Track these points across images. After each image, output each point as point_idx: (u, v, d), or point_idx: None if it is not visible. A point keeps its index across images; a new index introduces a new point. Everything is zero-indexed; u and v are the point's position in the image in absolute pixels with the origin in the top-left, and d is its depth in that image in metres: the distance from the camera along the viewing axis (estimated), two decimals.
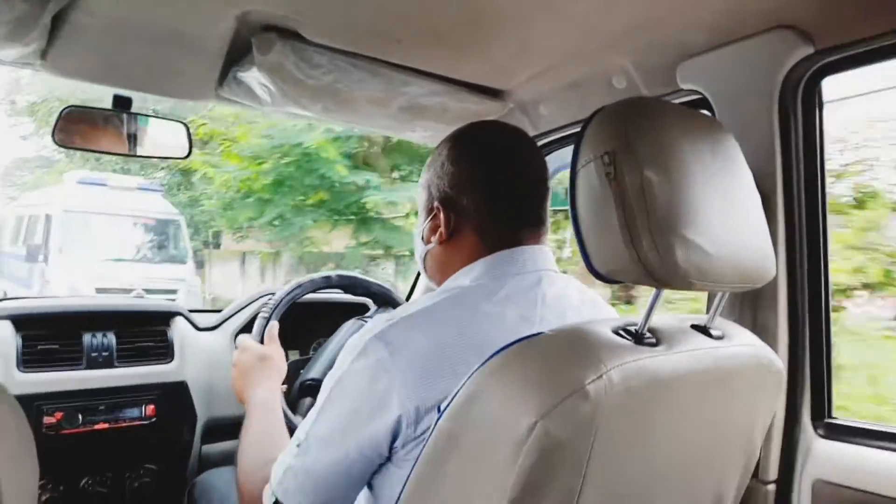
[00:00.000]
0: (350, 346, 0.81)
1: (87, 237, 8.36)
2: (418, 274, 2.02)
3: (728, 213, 0.68)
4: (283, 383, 1.22)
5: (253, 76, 1.17)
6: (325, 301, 1.81)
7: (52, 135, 1.22)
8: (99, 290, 7.07)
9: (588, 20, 1.07)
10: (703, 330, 0.73)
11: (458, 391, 0.62)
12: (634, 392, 0.60)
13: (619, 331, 0.66)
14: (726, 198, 0.68)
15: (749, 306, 1.02)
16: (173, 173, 11.69)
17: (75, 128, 1.25)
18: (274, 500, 0.82)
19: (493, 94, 1.40)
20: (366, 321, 1.39)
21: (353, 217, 8.07)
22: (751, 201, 0.73)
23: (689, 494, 0.73)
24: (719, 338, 0.72)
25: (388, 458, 0.78)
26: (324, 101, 1.26)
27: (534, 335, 0.64)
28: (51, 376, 1.40)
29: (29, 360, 1.40)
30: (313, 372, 1.33)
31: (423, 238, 0.95)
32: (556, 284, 0.89)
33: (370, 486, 0.81)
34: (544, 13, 1.05)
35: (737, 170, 0.72)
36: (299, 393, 1.33)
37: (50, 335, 1.44)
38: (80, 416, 1.40)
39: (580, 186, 0.67)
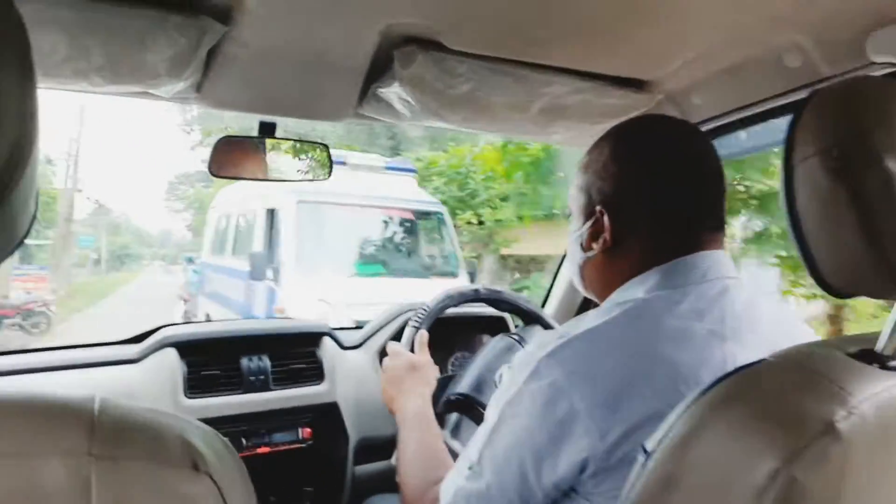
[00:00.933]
0: (519, 364, 0.75)
1: (330, 239, 5.78)
2: (550, 287, 1.94)
3: None
4: None
5: (393, 91, 1.16)
6: (461, 315, 1.77)
7: (209, 167, 1.28)
8: (358, 324, 3.64)
9: None
10: None
11: (671, 428, 0.54)
12: (890, 427, 0.50)
13: (856, 353, 0.56)
14: None
15: None
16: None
17: (228, 157, 1.30)
18: None
19: (638, 86, 1.30)
20: (514, 338, 1.34)
21: None
22: None
23: None
24: None
25: (575, 491, 0.71)
26: (463, 111, 1.23)
27: (756, 362, 0.55)
28: (214, 401, 1.43)
29: (194, 385, 1.44)
30: (460, 387, 1.30)
31: (581, 246, 0.88)
32: (743, 295, 0.79)
33: None
34: None
35: None
36: (445, 408, 1.30)
37: (211, 360, 1.48)
38: (243, 441, 1.44)
39: (799, 186, 0.57)
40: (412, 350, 1.25)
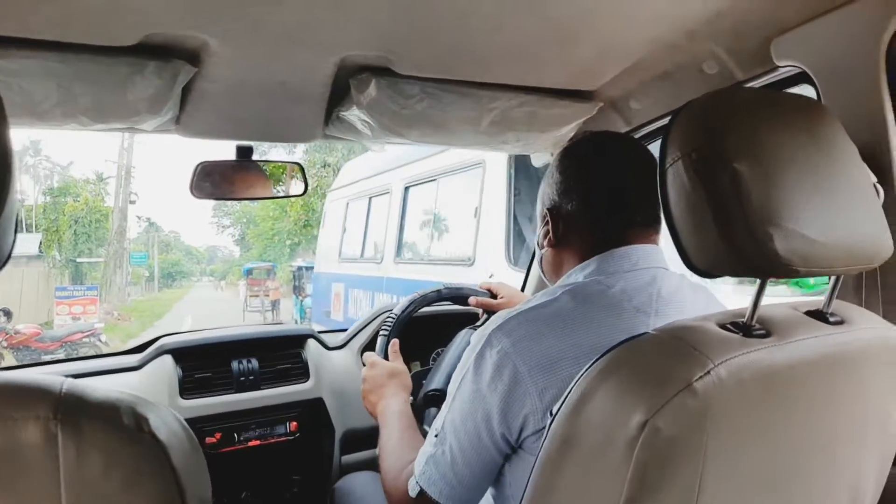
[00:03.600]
0: (474, 340, 0.88)
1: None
2: (525, 278, 2.05)
3: (832, 195, 0.66)
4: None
5: (354, 114, 1.27)
6: (442, 313, 1.89)
7: (190, 190, 1.39)
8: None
9: (669, 10, 1.06)
10: (819, 316, 0.71)
11: (569, 394, 0.65)
12: (747, 386, 0.60)
13: (727, 324, 0.66)
14: (828, 179, 0.66)
15: (874, 287, 0.97)
16: None
17: (209, 179, 1.42)
18: (418, 490, 0.89)
19: (581, 95, 1.41)
20: (476, 328, 1.44)
21: None
22: (858, 179, 0.70)
23: (821, 487, 0.71)
24: (838, 323, 0.70)
25: (522, 447, 0.83)
26: (419, 128, 1.34)
27: (639, 335, 0.66)
28: (208, 401, 1.58)
29: (188, 387, 1.58)
30: (434, 383, 1.40)
31: (538, 244, 1.03)
32: (671, 281, 0.91)
33: (504, 475, 0.87)
34: (621, 11, 1.05)
35: (840, 148, 0.70)
36: (423, 402, 1.40)
37: (204, 364, 1.63)
38: (235, 435, 1.57)
39: (670, 185, 0.67)
40: (386, 357, 1.35)
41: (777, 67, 1.12)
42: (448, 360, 1.42)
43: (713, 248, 0.64)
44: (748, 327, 0.65)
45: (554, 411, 0.66)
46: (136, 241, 35.96)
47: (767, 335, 0.64)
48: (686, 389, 0.57)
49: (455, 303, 1.55)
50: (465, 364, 0.87)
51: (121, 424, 0.46)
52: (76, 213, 21.51)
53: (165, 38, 1.02)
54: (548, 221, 0.98)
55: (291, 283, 18.06)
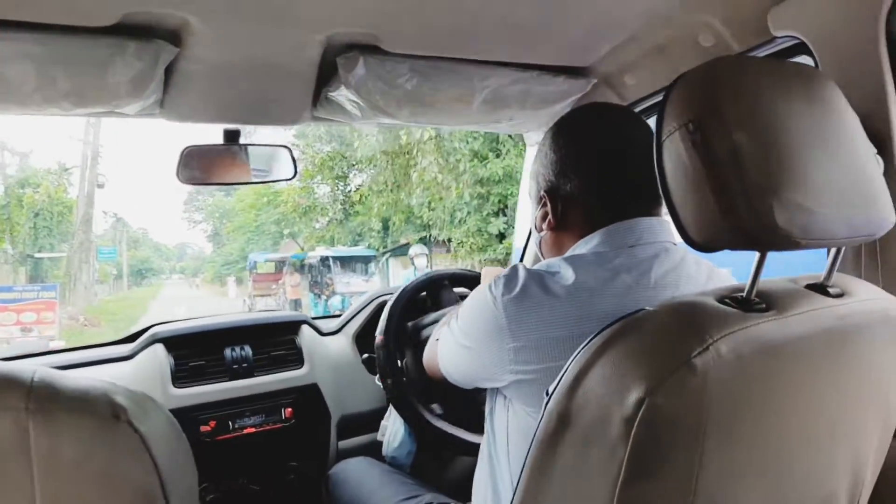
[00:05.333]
0: (479, 285, 0.92)
1: None
2: (521, 257, 2.04)
3: (833, 165, 0.64)
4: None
5: (342, 94, 1.24)
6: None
7: (177, 174, 1.36)
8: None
9: None
10: (820, 289, 0.69)
11: (565, 372, 0.64)
12: (747, 361, 0.59)
13: (725, 299, 0.64)
14: (829, 149, 0.65)
15: (873, 259, 0.95)
16: None
17: (196, 164, 1.39)
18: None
19: (575, 72, 1.39)
20: None
21: None
22: (860, 149, 0.68)
23: (822, 461, 0.70)
24: (839, 295, 0.69)
25: (506, 389, 0.87)
26: (410, 107, 1.31)
27: (636, 311, 0.64)
28: (201, 389, 1.56)
29: (181, 376, 1.57)
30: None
31: (535, 227, 1.00)
32: (674, 255, 0.89)
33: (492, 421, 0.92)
34: None
35: (840, 118, 0.68)
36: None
37: (197, 353, 1.61)
38: (230, 423, 1.56)
39: (667, 158, 0.66)
40: (382, 366, 1.41)
41: (774, 38, 1.09)
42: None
43: (711, 222, 0.62)
44: (748, 301, 0.64)
45: (550, 390, 0.65)
46: (104, 238, 34.37)
47: (767, 309, 0.63)
48: (685, 365, 0.56)
49: (464, 286, 1.55)
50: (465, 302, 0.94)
51: (95, 413, 0.44)
52: (35, 205, 19.00)
53: (145, 18, 0.98)
54: (545, 203, 0.96)
55: (306, 278, 16.38)
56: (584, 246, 0.91)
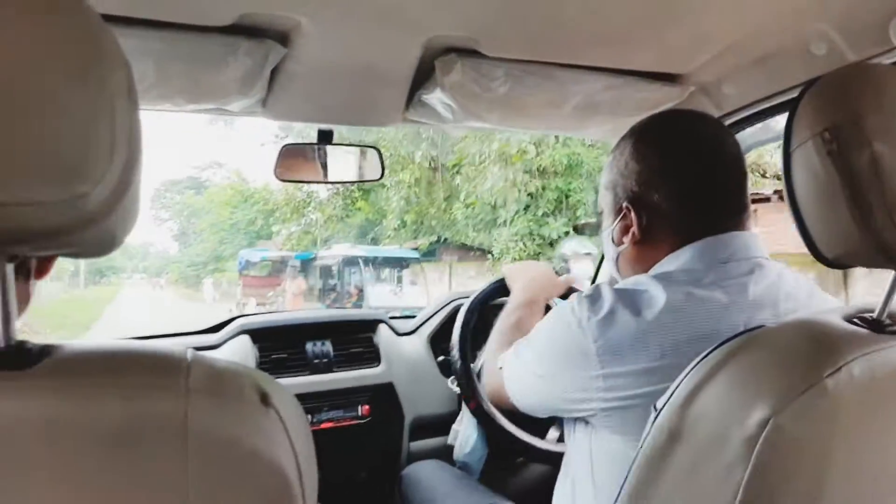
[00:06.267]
0: (561, 303, 0.89)
1: None
2: (596, 272, 2.00)
3: None
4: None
5: (436, 97, 1.26)
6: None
7: (275, 172, 1.42)
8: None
9: None
10: None
11: (678, 387, 0.62)
12: (879, 385, 0.56)
13: (854, 319, 0.61)
14: None
15: None
16: None
17: (291, 163, 1.44)
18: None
19: (670, 79, 1.35)
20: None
21: None
22: None
23: None
24: None
25: (592, 417, 0.83)
26: (501, 111, 1.32)
27: (758, 327, 0.62)
28: (284, 382, 1.58)
29: (264, 368, 1.60)
30: None
31: (613, 240, 0.96)
32: (769, 271, 0.85)
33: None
34: None
35: None
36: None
37: (280, 345, 1.65)
38: (310, 417, 1.58)
39: (797, 168, 0.63)
40: (463, 347, 1.43)
41: (895, 48, 1.04)
42: None
43: (845, 237, 0.59)
44: (879, 323, 0.60)
45: (658, 405, 0.63)
46: None
47: None
48: (816, 386, 0.53)
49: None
50: (544, 322, 0.92)
51: (246, 397, 0.46)
52: None
53: (260, 18, 1.03)
54: (625, 215, 0.92)
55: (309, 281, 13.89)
56: (674, 261, 0.87)
